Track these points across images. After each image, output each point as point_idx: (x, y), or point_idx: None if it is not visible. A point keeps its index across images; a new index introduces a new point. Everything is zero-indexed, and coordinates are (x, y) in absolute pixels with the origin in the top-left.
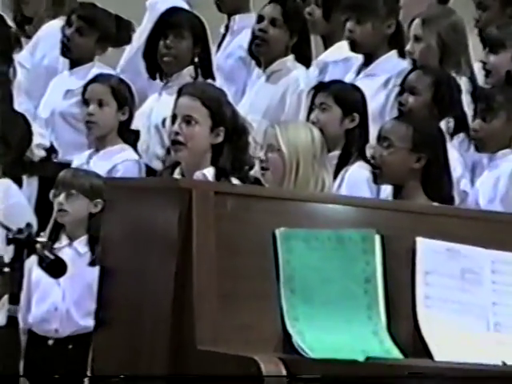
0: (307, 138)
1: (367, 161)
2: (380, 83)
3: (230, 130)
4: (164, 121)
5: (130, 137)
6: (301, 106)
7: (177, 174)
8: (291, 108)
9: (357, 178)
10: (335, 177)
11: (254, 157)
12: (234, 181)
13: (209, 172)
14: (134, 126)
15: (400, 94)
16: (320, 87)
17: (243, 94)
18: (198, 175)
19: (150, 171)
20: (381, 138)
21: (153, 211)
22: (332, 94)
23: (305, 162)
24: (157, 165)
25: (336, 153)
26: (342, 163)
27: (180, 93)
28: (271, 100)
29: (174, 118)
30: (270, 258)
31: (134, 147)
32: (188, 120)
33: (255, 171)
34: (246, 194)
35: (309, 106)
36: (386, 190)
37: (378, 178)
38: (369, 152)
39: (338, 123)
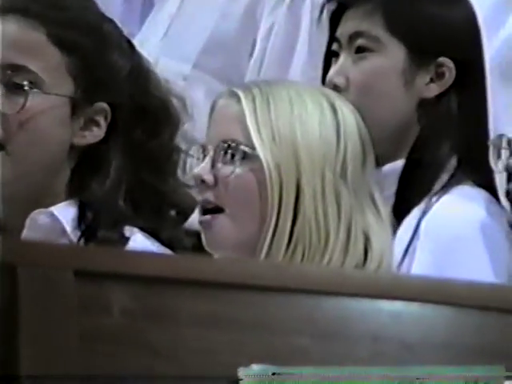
0: (323, 126)
1: (488, 185)
2: None
3: (125, 107)
4: None
5: None
6: (305, 40)
7: None
8: (276, 46)
9: (458, 231)
10: (398, 223)
11: (186, 176)
12: (134, 240)
13: (66, 214)
14: None
15: None
16: None
17: (147, 10)
18: (36, 220)
19: None
20: None
21: None
22: (383, 11)
23: (317, 186)
24: None
25: (397, 163)
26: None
27: None
28: (219, 22)
29: None
30: None
31: None
32: (15, 83)
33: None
34: (165, 276)
35: (326, 45)
36: None
37: None
38: (495, 161)
39: (399, 85)
